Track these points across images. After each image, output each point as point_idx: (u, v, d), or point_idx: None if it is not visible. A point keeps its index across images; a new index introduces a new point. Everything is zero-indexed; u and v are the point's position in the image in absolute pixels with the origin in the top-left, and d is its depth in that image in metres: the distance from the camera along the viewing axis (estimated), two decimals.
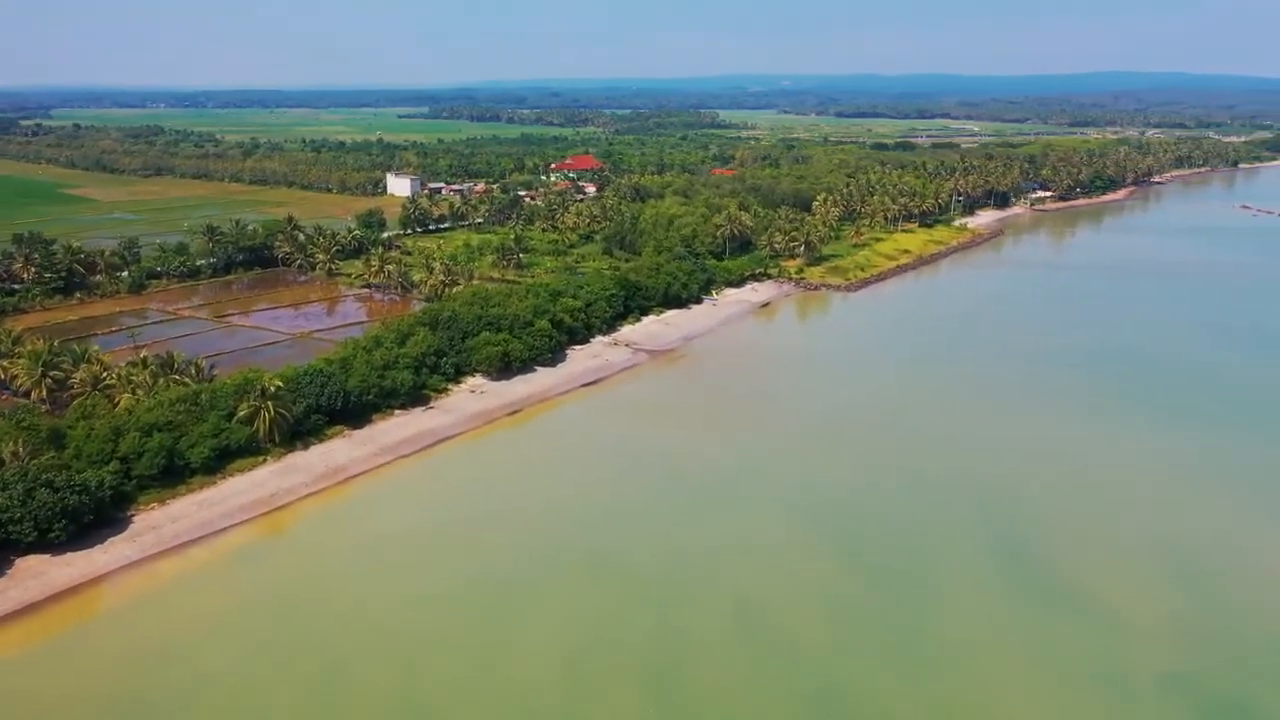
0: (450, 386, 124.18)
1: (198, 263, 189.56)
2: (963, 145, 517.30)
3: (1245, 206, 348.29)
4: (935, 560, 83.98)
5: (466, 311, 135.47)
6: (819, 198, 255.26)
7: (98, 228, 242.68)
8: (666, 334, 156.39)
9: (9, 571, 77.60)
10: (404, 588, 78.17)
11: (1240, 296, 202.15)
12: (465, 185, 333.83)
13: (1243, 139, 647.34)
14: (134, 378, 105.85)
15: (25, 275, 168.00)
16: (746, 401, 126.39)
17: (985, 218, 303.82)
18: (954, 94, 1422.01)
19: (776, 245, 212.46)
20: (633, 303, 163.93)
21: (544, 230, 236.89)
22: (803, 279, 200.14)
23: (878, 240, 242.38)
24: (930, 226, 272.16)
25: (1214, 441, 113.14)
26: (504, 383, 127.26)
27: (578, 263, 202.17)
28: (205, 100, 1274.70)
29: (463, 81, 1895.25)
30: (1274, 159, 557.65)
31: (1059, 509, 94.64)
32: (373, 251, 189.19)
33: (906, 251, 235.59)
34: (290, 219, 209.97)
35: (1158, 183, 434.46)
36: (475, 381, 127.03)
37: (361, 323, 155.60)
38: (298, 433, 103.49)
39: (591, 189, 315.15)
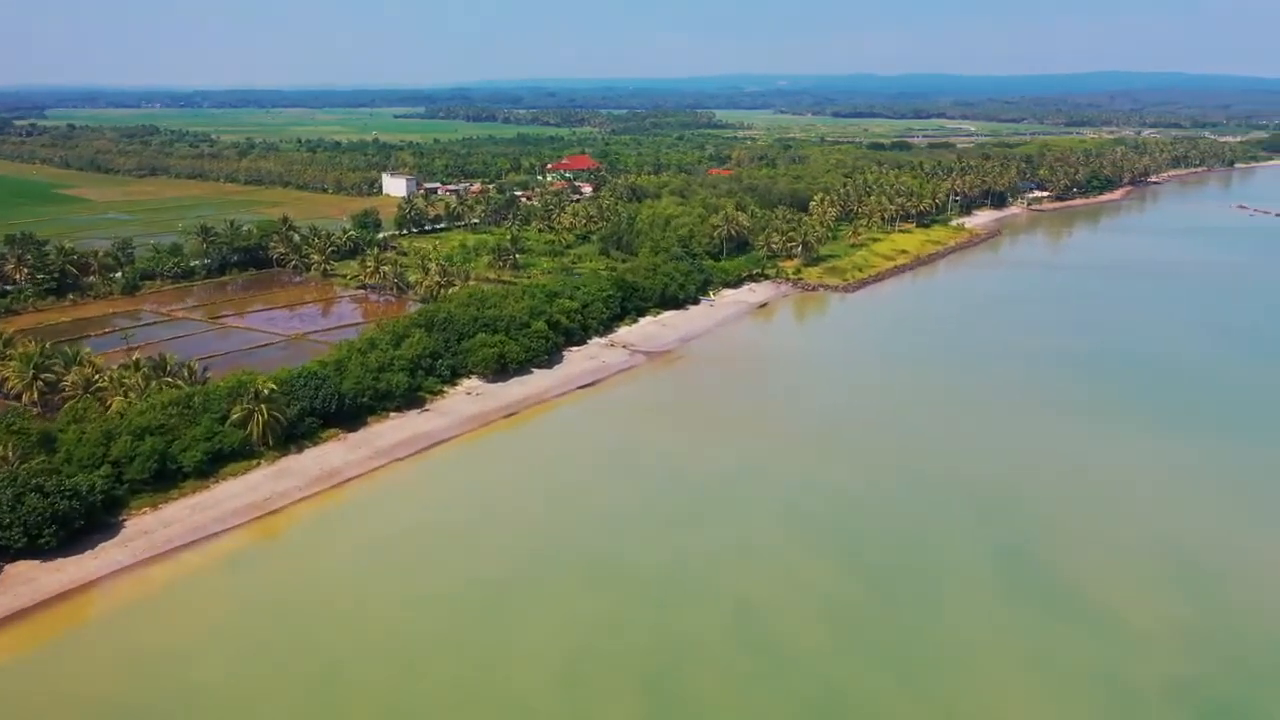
0: (446, 389, 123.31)
1: (192, 263, 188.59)
2: (959, 145, 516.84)
3: (1242, 206, 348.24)
4: (935, 562, 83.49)
5: (462, 313, 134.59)
6: (816, 198, 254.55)
7: (92, 228, 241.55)
8: (664, 335, 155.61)
9: None
10: (400, 592, 77.40)
11: (1239, 297, 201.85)
12: (461, 185, 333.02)
13: (1239, 139, 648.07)
14: (126, 380, 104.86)
15: (18, 276, 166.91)
16: (745, 403, 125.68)
17: (982, 218, 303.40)
18: (950, 94, 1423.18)
19: (774, 246, 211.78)
20: (630, 304, 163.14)
21: (540, 231, 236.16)
22: (800, 279, 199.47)
23: (875, 240, 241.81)
24: (927, 227, 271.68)
25: (1213, 442, 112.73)
26: (500, 385, 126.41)
27: (574, 263, 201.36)
28: (201, 100, 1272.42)
29: (459, 81, 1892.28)
30: (1270, 159, 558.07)
31: (1058, 510, 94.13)
32: (368, 252, 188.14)
33: (904, 252, 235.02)
34: (285, 219, 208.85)
35: (1154, 183, 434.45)
36: (471, 383, 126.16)
37: (357, 324, 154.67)
38: (292, 436, 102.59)
39: (588, 189, 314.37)
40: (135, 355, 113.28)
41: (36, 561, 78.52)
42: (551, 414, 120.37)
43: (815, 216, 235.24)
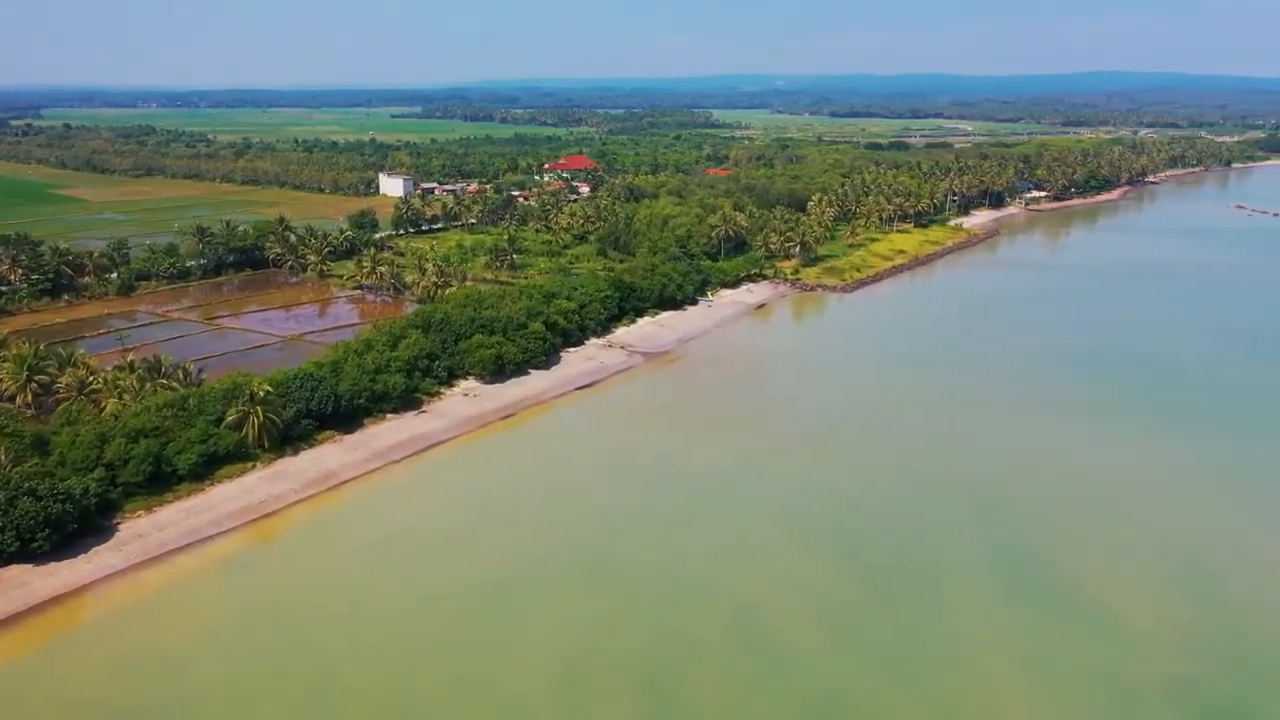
0: (443, 390, 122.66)
1: (188, 264, 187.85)
2: (956, 145, 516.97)
3: (1240, 206, 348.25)
4: (934, 562, 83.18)
5: (459, 313, 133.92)
6: (814, 198, 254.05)
7: (87, 228, 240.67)
8: (662, 336, 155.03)
9: None
10: (397, 595, 76.81)
11: (1237, 298, 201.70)
12: (458, 185, 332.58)
13: (1235, 139, 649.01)
14: (121, 382, 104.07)
15: (12, 277, 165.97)
16: (743, 404, 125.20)
17: (980, 218, 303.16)
18: (947, 94, 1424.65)
19: (772, 246, 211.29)
20: (627, 304, 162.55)
21: (538, 231, 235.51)
22: (798, 280, 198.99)
23: (873, 240, 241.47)
24: (926, 227, 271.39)
25: (1212, 442, 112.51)
26: (497, 386, 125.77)
27: (571, 264, 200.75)
28: (198, 100, 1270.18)
29: (456, 81, 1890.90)
30: (1267, 159, 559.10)
31: (1058, 510, 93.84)
32: (365, 252, 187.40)
33: (902, 252, 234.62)
34: (282, 219, 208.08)
35: (1152, 182, 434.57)
36: (468, 385, 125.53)
37: (353, 325, 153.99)
38: (287, 438, 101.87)
39: (585, 189, 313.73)
40: (130, 357, 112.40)
41: (29, 565, 77.72)
42: (549, 415, 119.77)
43: (813, 217, 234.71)
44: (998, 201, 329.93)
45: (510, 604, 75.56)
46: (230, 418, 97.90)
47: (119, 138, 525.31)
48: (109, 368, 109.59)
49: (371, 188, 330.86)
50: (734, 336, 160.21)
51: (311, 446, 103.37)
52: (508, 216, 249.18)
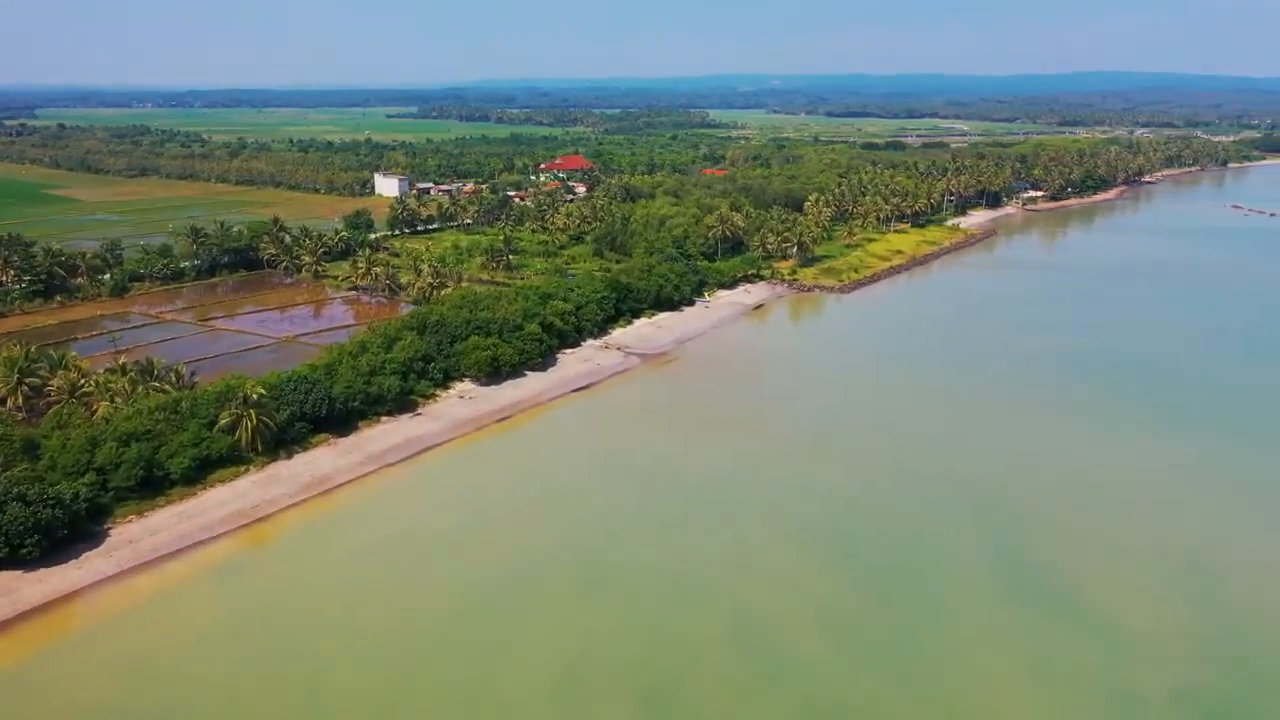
0: (438, 392, 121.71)
1: (181, 265, 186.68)
2: (952, 145, 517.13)
3: (1236, 206, 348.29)
4: (933, 564, 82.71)
5: (455, 315, 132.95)
6: (811, 198, 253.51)
7: (80, 229, 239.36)
8: (659, 337, 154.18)
9: None
10: (391, 601, 75.90)
11: (1234, 297, 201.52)
12: (454, 185, 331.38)
13: (1231, 138, 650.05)
14: (112, 385, 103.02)
15: (4, 278, 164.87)
16: (740, 405, 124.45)
17: (977, 218, 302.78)
18: (942, 94, 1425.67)
19: (769, 246, 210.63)
20: (624, 305, 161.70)
21: (534, 231, 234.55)
22: (796, 280, 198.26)
23: (870, 241, 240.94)
24: (923, 227, 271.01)
25: (1211, 442, 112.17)
26: (493, 388, 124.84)
27: (568, 264, 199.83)
28: (193, 100, 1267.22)
29: (452, 81, 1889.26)
30: (1263, 158, 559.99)
31: (1057, 511, 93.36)
32: (360, 253, 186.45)
33: (899, 252, 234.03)
34: (276, 220, 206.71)
35: (1149, 182, 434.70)
36: (464, 387, 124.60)
37: (348, 326, 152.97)
38: (281, 441, 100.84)
39: (581, 189, 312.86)
40: (122, 359, 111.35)
41: (19, 572, 76.68)
42: (545, 417, 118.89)
43: (810, 217, 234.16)
44: (995, 201, 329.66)
45: (507, 607, 74.79)
46: (223, 421, 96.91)
47: (113, 138, 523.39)
48: (101, 370, 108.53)
49: (367, 188, 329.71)
50: (731, 337, 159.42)
51: (305, 450, 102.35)
52: (504, 217, 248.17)
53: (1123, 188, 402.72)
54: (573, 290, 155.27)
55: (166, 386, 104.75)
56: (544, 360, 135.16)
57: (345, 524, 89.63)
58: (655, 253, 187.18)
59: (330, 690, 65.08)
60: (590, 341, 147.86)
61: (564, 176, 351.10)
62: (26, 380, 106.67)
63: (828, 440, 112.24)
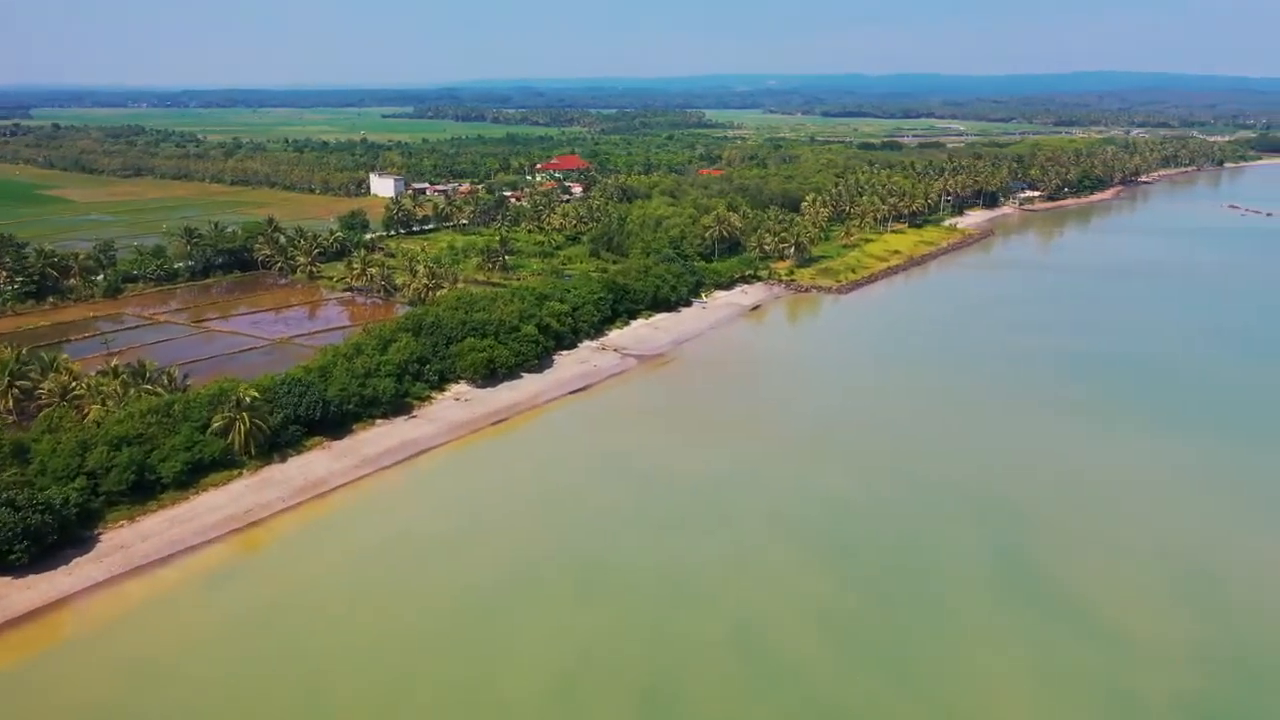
0: (434, 395, 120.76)
1: (175, 266, 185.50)
2: (949, 145, 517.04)
3: (1233, 206, 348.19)
4: (932, 564, 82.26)
5: (451, 316, 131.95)
6: (808, 198, 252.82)
7: (74, 229, 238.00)
8: (656, 338, 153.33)
9: None
10: (387, 604, 75.06)
11: (1231, 297, 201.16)
12: (450, 185, 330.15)
13: (1227, 138, 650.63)
14: (104, 388, 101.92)
15: None
16: (738, 406, 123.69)
17: (974, 218, 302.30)
18: (938, 94, 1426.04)
19: (766, 246, 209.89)
20: (621, 306, 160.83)
21: (530, 231, 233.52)
22: (793, 281, 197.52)
23: (867, 241, 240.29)
24: (920, 227, 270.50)
25: (1210, 442, 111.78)
26: (489, 390, 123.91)
27: (564, 265, 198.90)
28: (188, 100, 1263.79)
29: (448, 81, 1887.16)
30: (1259, 158, 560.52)
31: (1056, 511, 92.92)
32: (355, 254, 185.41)
33: (897, 252, 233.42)
34: (271, 220, 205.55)
35: (1145, 182, 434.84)
36: (460, 389, 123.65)
37: (343, 327, 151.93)
38: (275, 444, 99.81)
39: (578, 189, 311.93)
40: (114, 361, 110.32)
41: (7, 579, 75.58)
42: (542, 419, 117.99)
43: (807, 217, 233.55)
44: (992, 201, 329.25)
45: (504, 610, 74.03)
46: (216, 424, 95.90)
47: (108, 138, 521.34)
48: (93, 372, 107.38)
49: (362, 188, 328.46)
50: (729, 338, 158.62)
51: (299, 453, 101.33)
52: (500, 217, 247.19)
53: (1119, 188, 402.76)
54: (569, 291, 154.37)
55: (159, 389, 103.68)
56: (540, 362, 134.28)
57: (340, 528, 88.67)
58: (652, 253, 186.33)
59: (327, 694, 64.22)
60: (587, 343, 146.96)
61: (560, 177, 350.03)
62: (17, 383, 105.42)
63: (826, 441, 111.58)
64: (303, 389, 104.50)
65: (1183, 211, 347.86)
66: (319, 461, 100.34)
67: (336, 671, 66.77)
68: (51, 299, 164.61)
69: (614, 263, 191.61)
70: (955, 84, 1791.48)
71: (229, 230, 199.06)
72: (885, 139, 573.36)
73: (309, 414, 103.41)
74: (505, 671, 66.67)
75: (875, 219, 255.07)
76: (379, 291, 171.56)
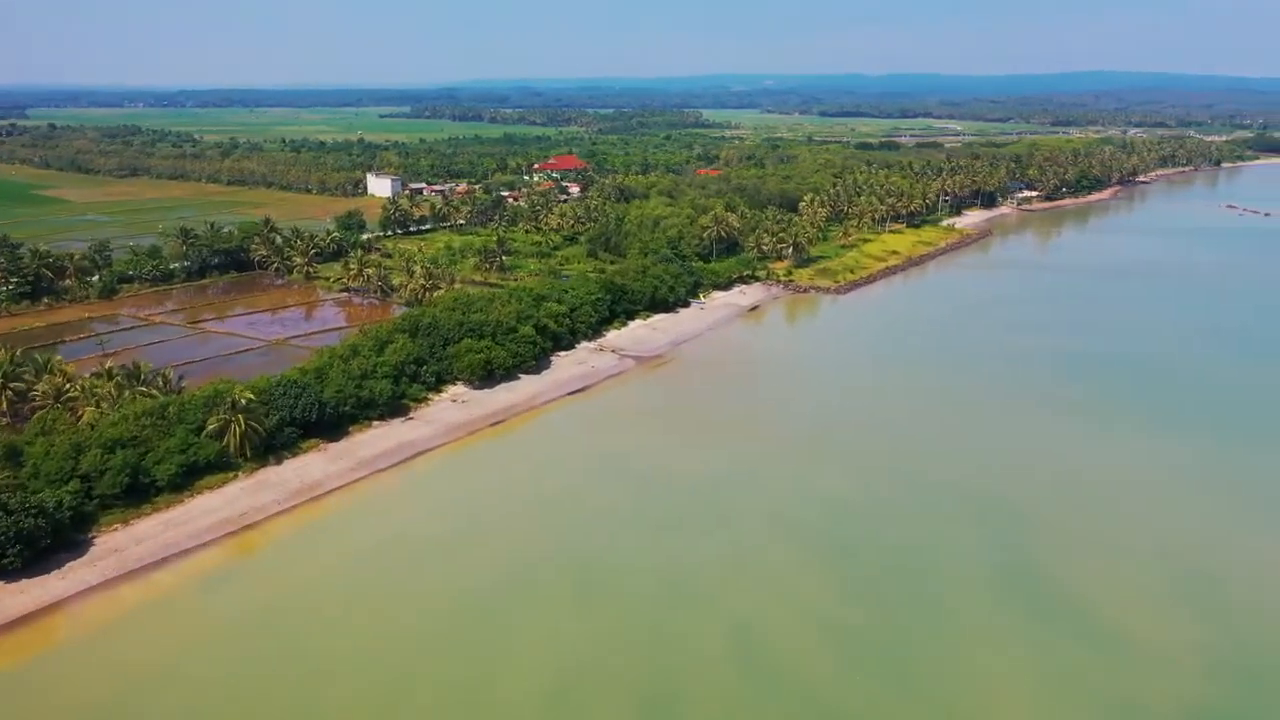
0: (431, 396, 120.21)
1: (171, 266, 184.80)
2: (946, 145, 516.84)
3: (1231, 206, 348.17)
4: (931, 565, 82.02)
5: (448, 317, 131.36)
6: (806, 198, 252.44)
7: (70, 230, 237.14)
8: (654, 339, 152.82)
9: None
10: (384, 606, 74.59)
11: (1229, 297, 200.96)
12: (447, 186, 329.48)
13: (1224, 138, 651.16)
14: (98, 390, 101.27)
15: None
16: (736, 407, 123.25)
17: (973, 218, 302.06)
18: (935, 93, 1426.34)
19: (764, 247, 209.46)
20: (619, 307, 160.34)
21: (527, 232, 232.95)
22: (791, 281, 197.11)
23: (866, 241, 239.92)
24: (918, 227, 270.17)
25: (1208, 442, 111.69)
26: (487, 391, 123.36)
27: (562, 265, 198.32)
28: (185, 100, 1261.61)
29: (445, 81, 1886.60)
30: (1256, 158, 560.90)
31: (1055, 512, 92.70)
32: (352, 254, 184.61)
33: (895, 252, 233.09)
34: (267, 221, 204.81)
35: (1143, 182, 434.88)
36: (457, 390, 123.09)
37: (339, 328, 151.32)
38: (270, 447, 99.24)
39: (575, 189, 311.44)
40: (109, 363, 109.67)
41: (0, 583, 75.00)
42: (539, 421, 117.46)
43: (805, 217, 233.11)
44: (990, 201, 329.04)
45: (502, 611, 73.62)
46: (211, 426, 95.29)
47: (104, 137, 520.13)
48: (86, 375, 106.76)
49: (359, 188, 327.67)
50: (727, 339, 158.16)
51: (295, 456, 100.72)
52: (497, 217, 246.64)
53: (1117, 188, 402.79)
54: (567, 292, 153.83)
55: (154, 391, 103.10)
56: (538, 363, 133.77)
57: (336, 530, 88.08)
58: (650, 254, 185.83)
59: (323, 697, 63.75)
60: (584, 344, 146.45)
61: (558, 177, 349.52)
62: (11, 385, 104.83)
63: (824, 442, 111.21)
64: (299, 391, 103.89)
65: (1180, 211, 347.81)
66: (315, 464, 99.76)
67: (333, 674, 66.30)
68: (46, 300, 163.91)
69: (611, 263, 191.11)
70: (953, 84, 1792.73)
71: (225, 230, 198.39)
72: (883, 139, 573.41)
73: (305, 416, 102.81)
74: (503, 673, 66.31)
75: (873, 219, 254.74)
76: (376, 292, 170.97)
